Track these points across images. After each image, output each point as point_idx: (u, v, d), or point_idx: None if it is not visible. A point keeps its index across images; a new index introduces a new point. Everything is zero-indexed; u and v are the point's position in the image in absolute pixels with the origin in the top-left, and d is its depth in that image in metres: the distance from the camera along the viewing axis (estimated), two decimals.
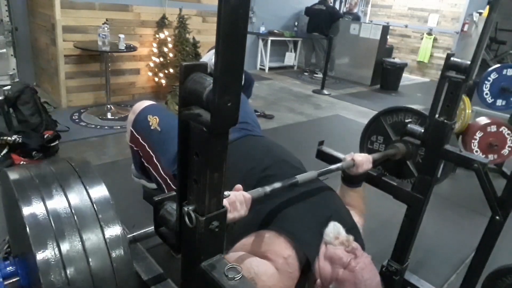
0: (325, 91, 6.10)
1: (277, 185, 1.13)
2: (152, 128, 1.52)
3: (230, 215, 0.91)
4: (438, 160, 1.40)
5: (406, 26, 8.89)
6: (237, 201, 0.95)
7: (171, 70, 4.39)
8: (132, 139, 1.58)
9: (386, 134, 1.69)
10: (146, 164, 1.57)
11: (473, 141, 3.08)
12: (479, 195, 1.47)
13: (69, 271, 0.63)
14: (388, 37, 7.37)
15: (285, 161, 1.42)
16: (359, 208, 1.50)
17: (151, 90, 4.69)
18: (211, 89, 0.58)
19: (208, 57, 4.18)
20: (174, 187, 1.44)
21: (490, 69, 3.15)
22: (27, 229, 0.63)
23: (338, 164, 1.42)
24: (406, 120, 1.60)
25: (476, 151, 3.07)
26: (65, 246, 0.64)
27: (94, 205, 0.71)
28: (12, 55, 4.19)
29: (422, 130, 1.41)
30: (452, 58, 1.30)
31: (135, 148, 1.59)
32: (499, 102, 3.17)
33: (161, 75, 4.44)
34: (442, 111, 1.33)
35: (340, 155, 1.60)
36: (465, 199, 2.95)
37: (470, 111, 3.16)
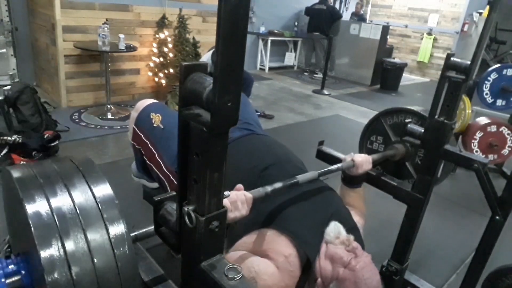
0: (325, 91, 6.10)
1: (278, 185, 1.14)
2: (155, 125, 1.53)
3: (231, 215, 0.91)
4: (438, 160, 1.40)
5: (406, 26, 8.89)
6: (238, 200, 0.95)
7: (171, 70, 4.39)
8: (134, 137, 1.58)
9: (386, 134, 1.69)
10: (148, 162, 1.57)
11: (473, 141, 3.08)
12: (479, 195, 1.47)
13: (74, 270, 0.62)
14: (388, 37, 7.37)
15: (286, 160, 1.43)
16: (359, 208, 1.50)
17: (151, 90, 4.69)
18: (211, 89, 0.58)
19: (207, 57, 4.19)
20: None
21: (490, 69, 3.15)
22: (32, 227, 0.63)
23: (338, 165, 1.42)
24: (406, 121, 1.60)
25: (476, 151, 3.07)
26: (70, 245, 0.64)
27: (99, 203, 0.71)
28: (12, 55, 4.19)
29: (422, 130, 1.41)
30: (452, 58, 1.30)
31: (137, 146, 1.60)
32: (499, 102, 3.17)
33: (161, 75, 4.44)
34: (442, 111, 1.33)
35: (340, 155, 1.60)
36: (465, 199, 2.95)
37: (470, 111, 3.16)
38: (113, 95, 4.13)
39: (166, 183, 1.51)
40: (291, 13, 7.85)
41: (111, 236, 0.68)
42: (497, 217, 1.42)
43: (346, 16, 8.33)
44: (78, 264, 0.63)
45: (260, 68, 7.47)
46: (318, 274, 1.12)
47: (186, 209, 0.68)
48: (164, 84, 4.46)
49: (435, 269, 2.08)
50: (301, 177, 1.22)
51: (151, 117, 1.55)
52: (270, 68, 7.44)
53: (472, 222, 2.53)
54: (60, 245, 0.63)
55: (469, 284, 1.57)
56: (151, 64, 4.51)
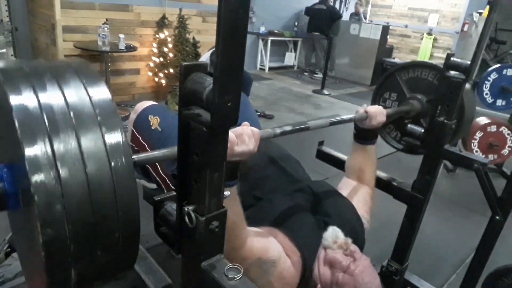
0: (325, 91, 6.10)
1: (288, 128, 1.08)
2: (153, 128, 1.53)
3: (238, 149, 0.85)
4: (438, 160, 1.40)
5: (406, 26, 8.88)
6: (244, 134, 0.88)
7: (171, 70, 4.39)
8: (132, 138, 1.59)
9: (401, 90, 1.59)
10: (146, 164, 1.57)
11: (473, 141, 3.08)
12: (479, 195, 1.47)
13: (63, 173, 0.54)
14: (388, 37, 7.37)
15: (283, 160, 1.42)
16: (368, 173, 1.47)
17: (151, 90, 4.69)
18: (211, 89, 0.58)
19: (206, 57, 4.19)
20: (173, 187, 1.44)
21: (490, 69, 3.15)
22: (15, 121, 0.54)
23: (351, 115, 1.34)
24: (423, 76, 1.52)
25: (476, 151, 3.07)
26: (59, 146, 0.55)
27: (94, 105, 0.60)
28: (12, 55, 4.19)
29: (422, 130, 1.41)
30: (452, 58, 1.30)
31: (135, 148, 1.60)
32: (499, 102, 3.17)
33: (161, 75, 4.44)
34: (442, 111, 1.33)
35: (340, 155, 1.60)
36: (465, 199, 2.95)
37: None
38: (113, 95, 4.12)
39: (163, 186, 1.51)
40: (291, 13, 7.85)
41: (106, 141, 0.58)
42: (497, 217, 1.42)
43: (346, 16, 8.33)
44: (68, 166, 0.54)
45: (260, 68, 7.47)
46: (317, 280, 1.11)
47: (186, 209, 0.68)
48: (164, 84, 4.46)
49: (435, 269, 2.08)
50: (312, 123, 1.16)
51: (149, 119, 1.55)
52: (270, 68, 7.44)
53: (472, 222, 2.53)
54: (48, 144, 0.54)
55: (469, 284, 1.57)
56: (151, 64, 4.51)
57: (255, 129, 0.93)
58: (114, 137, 0.59)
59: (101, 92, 0.63)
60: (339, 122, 1.27)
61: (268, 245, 1.06)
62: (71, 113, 0.58)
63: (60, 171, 0.54)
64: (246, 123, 0.94)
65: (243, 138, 0.87)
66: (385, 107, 1.60)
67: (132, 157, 0.72)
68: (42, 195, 0.52)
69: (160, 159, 0.83)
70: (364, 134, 1.43)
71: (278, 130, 1.05)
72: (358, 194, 1.43)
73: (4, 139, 0.65)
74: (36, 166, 0.52)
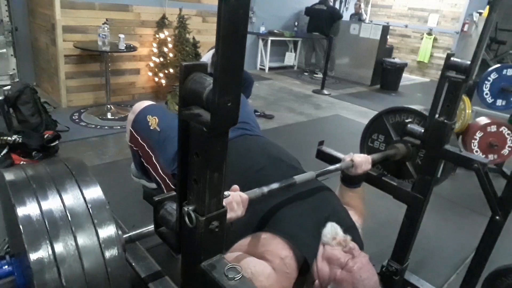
0: (325, 91, 6.10)
1: (275, 185, 1.13)
2: (151, 128, 1.53)
3: (227, 216, 0.91)
4: (438, 160, 1.40)
5: (406, 26, 8.89)
6: (234, 201, 0.95)
7: (171, 70, 4.39)
8: (131, 139, 1.58)
9: (388, 133, 1.68)
10: (145, 164, 1.57)
11: (473, 141, 3.08)
12: (479, 195, 1.47)
13: (63, 271, 0.63)
14: (388, 37, 7.37)
15: (281, 161, 1.42)
16: (358, 208, 1.50)
17: (151, 90, 4.69)
18: (211, 89, 0.58)
19: (208, 57, 4.19)
20: (173, 187, 1.44)
21: (490, 69, 3.15)
22: (21, 230, 0.64)
23: (337, 165, 1.42)
24: (407, 121, 1.60)
25: (476, 151, 3.07)
26: (59, 248, 0.64)
27: (89, 206, 0.71)
28: (12, 55, 4.19)
29: (422, 130, 1.41)
30: (452, 58, 1.30)
31: (134, 148, 1.60)
32: (499, 102, 3.17)
33: (161, 75, 4.44)
34: (442, 111, 1.33)
35: (340, 155, 1.60)
36: (465, 199, 2.95)
37: (470, 111, 3.16)
38: (113, 95, 4.13)
39: (162, 186, 1.51)
40: (291, 13, 7.85)
41: (100, 237, 0.68)
42: (497, 217, 1.42)
43: (346, 16, 8.33)
44: (67, 265, 0.64)
45: (260, 68, 7.46)
46: (315, 276, 1.12)
47: (186, 209, 0.68)
48: (164, 84, 4.46)
49: (435, 269, 2.08)
50: (298, 178, 1.21)
51: (148, 119, 1.54)
52: (270, 68, 7.44)
53: (472, 222, 2.53)
54: (49, 247, 0.64)
55: (469, 284, 1.57)
56: (151, 64, 4.51)
57: (243, 195, 0.99)
58: (107, 232, 0.70)
59: (94, 193, 0.75)
60: (326, 172, 1.35)
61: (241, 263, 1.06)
62: (69, 217, 0.68)
63: (61, 270, 0.63)
64: (235, 186, 1.01)
65: (232, 205, 0.94)
66: (373, 148, 1.72)
67: (129, 234, 0.88)
68: None
69: (149, 235, 0.90)
70: (351, 179, 1.49)
71: (265, 189, 1.10)
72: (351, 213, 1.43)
73: (14, 235, 0.75)
74: (39, 269, 0.61)
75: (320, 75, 6.86)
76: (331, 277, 1.09)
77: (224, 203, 0.89)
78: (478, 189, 1.40)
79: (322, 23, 7.07)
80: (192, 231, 0.68)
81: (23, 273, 0.73)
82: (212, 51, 4.28)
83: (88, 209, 0.71)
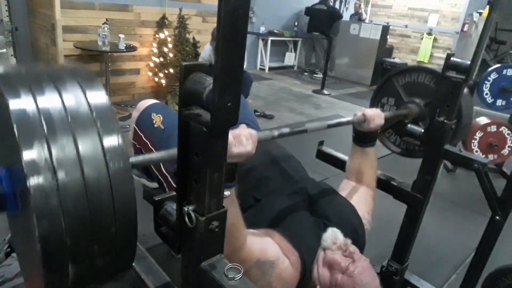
0: (325, 91, 6.10)
1: (286, 130, 1.09)
2: (155, 126, 1.53)
3: (235, 150, 0.86)
4: (438, 160, 1.40)
5: (406, 26, 8.88)
6: (242, 135, 0.89)
7: (171, 70, 4.39)
8: (135, 136, 1.59)
9: (398, 95, 1.61)
10: (143, 165, 1.58)
11: (473, 141, 3.08)
12: (479, 195, 1.47)
13: (60, 174, 0.55)
14: (388, 37, 7.37)
15: (283, 161, 1.42)
16: (368, 175, 1.46)
17: (151, 90, 4.69)
18: (211, 89, 0.58)
19: (206, 52, 4.19)
20: (175, 185, 1.45)
21: (490, 69, 3.14)
22: (13, 125, 0.55)
23: (349, 118, 1.35)
24: (420, 81, 1.52)
25: (476, 151, 3.07)
26: (56, 149, 0.56)
27: (93, 109, 0.61)
28: (12, 55, 4.19)
29: (422, 130, 1.41)
30: (452, 58, 1.30)
31: (137, 146, 1.60)
32: (499, 102, 3.16)
33: (161, 75, 4.44)
34: (442, 111, 1.33)
35: (340, 155, 1.60)
36: (465, 199, 2.95)
37: None
38: (113, 95, 4.13)
39: (164, 184, 1.51)
40: (291, 13, 7.84)
41: (105, 147, 0.59)
42: (497, 217, 1.42)
43: (346, 16, 8.33)
44: (65, 169, 0.55)
45: (260, 68, 7.46)
46: (316, 281, 1.11)
47: (186, 209, 0.68)
48: (164, 84, 4.46)
49: (435, 269, 2.08)
50: (309, 125, 1.17)
51: (152, 117, 1.55)
52: (270, 68, 7.44)
53: (472, 222, 2.53)
54: (45, 147, 0.55)
55: (469, 284, 1.57)
56: (151, 64, 4.51)
57: (253, 131, 0.93)
58: (112, 140, 0.60)
59: (98, 95, 0.64)
60: (337, 124, 1.28)
61: (266, 246, 1.06)
62: (69, 116, 0.59)
63: (58, 173, 0.55)
64: (243, 125, 0.94)
65: (240, 139, 0.88)
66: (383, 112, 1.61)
67: (130, 159, 0.73)
68: (38, 191, 0.53)
69: (157, 161, 0.83)
70: (363, 137, 1.43)
71: (276, 132, 1.05)
72: (359, 195, 1.42)
73: (3, 142, 0.66)
74: (33, 169, 0.53)
75: (320, 75, 6.86)
76: (332, 282, 1.08)
77: (231, 137, 0.84)
78: (478, 189, 1.40)
79: (322, 23, 7.07)
80: (192, 231, 0.68)
81: (12, 181, 0.63)
82: (208, 45, 4.29)
83: (92, 114, 0.61)
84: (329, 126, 1.24)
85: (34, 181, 0.53)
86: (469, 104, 1.53)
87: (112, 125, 0.62)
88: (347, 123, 1.34)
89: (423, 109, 1.51)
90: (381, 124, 1.38)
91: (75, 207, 0.55)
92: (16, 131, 0.54)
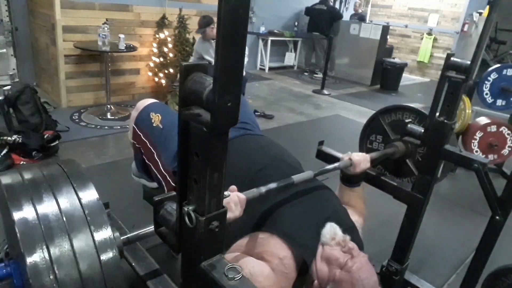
0: (325, 91, 6.10)
1: (273, 185, 1.13)
2: (154, 125, 1.53)
3: None
4: (438, 160, 1.40)
5: (406, 26, 8.88)
6: (231, 202, 0.95)
7: (171, 70, 4.39)
8: (134, 136, 1.59)
9: (385, 133, 1.68)
10: (147, 161, 1.58)
11: (473, 141, 3.08)
12: (479, 195, 1.47)
13: (59, 274, 0.63)
14: (388, 37, 7.37)
15: (282, 161, 1.42)
16: (358, 207, 1.50)
17: (151, 90, 4.69)
18: (211, 89, 0.58)
19: (199, 45, 4.18)
20: (174, 184, 1.44)
21: (490, 69, 3.15)
22: (17, 233, 0.65)
23: (335, 164, 1.41)
24: (405, 119, 1.59)
25: (476, 151, 3.07)
26: (54, 251, 0.65)
27: (85, 210, 0.72)
28: (12, 55, 4.19)
29: (422, 130, 1.41)
30: (452, 58, 1.30)
31: (136, 145, 1.60)
32: (499, 102, 3.16)
33: (161, 75, 4.44)
34: (442, 111, 1.33)
35: (340, 155, 1.60)
36: (465, 199, 2.95)
37: (470, 111, 3.16)
38: (113, 95, 4.13)
39: (163, 183, 1.51)
40: (291, 13, 7.84)
41: (96, 240, 0.69)
42: (497, 217, 1.41)
43: (346, 16, 8.33)
44: (63, 267, 0.64)
45: (260, 68, 7.46)
46: (314, 276, 1.11)
47: (186, 209, 0.68)
48: (164, 84, 4.46)
49: (435, 269, 2.08)
50: (296, 177, 1.21)
51: (151, 116, 1.55)
52: (270, 68, 7.44)
53: (472, 222, 2.52)
54: (45, 251, 0.64)
55: (469, 284, 1.57)
56: (151, 64, 4.51)
57: (241, 195, 0.99)
58: (102, 234, 0.70)
59: (90, 195, 0.75)
60: (324, 172, 1.34)
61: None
62: (65, 220, 0.69)
63: (57, 272, 0.63)
64: (233, 187, 1.01)
65: (230, 206, 0.93)
66: (372, 150, 1.69)
67: (129, 235, 0.88)
68: None
69: (146, 237, 0.90)
70: (350, 179, 1.48)
71: (263, 189, 1.10)
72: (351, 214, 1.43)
73: (11, 238, 0.78)
74: (35, 272, 0.62)
75: (320, 75, 6.85)
76: (330, 277, 1.09)
77: None
78: (478, 189, 1.40)
79: (322, 23, 7.07)
80: (192, 231, 0.68)
81: (20, 276, 0.74)
82: (197, 41, 4.30)
83: (84, 213, 0.71)
84: (316, 175, 1.29)
85: (36, 284, 0.62)
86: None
87: (101, 218, 0.72)
88: (334, 169, 1.40)
89: (410, 147, 1.58)
90: (367, 167, 1.45)
91: None
92: (19, 240, 0.64)
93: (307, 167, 1.52)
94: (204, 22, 4.03)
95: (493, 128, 3.05)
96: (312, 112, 4.99)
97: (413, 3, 8.75)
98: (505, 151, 3.07)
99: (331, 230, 1.15)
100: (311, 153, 1.74)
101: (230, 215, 0.92)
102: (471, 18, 7.94)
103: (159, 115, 1.55)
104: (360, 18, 8.01)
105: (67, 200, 0.72)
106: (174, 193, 0.83)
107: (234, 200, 0.96)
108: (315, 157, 1.70)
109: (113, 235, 0.72)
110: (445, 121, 1.33)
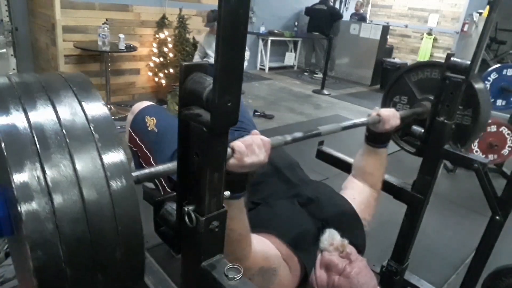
0: (325, 91, 6.10)
1: (299, 134, 1.07)
2: (149, 129, 1.53)
3: (248, 160, 0.80)
4: (438, 160, 1.40)
5: (406, 26, 8.88)
6: (254, 144, 0.84)
7: (171, 70, 4.39)
8: (130, 139, 1.59)
9: (411, 93, 1.56)
10: (144, 164, 1.57)
11: None
12: (479, 195, 1.47)
13: (56, 199, 0.49)
14: (388, 37, 7.37)
15: (280, 163, 1.42)
16: (376, 175, 1.44)
17: (151, 90, 4.69)
18: (211, 89, 0.58)
19: (203, 40, 4.18)
20: (169, 190, 1.44)
21: (490, 69, 3.15)
22: (2, 145, 0.49)
23: (363, 119, 1.30)
24: (434, 77, 1.48)
25: (476, 151, 3.07)
26: (51, 169, 0.50)
27: (90, 123, 0.55)
28: (12, 55, 4.19)
29: (422, 130, 1.41)
30: (452, 58, 1.30)
31: (133, 149, 1.60)
32: (499, 102, 3.16)
33: (161, 75, 4.44)
34: (442, 111, 1.33)
35: (340, 155, 1.60)
36: (465, 199, 2.95)
37: None
38: (113, 95, 4.13)
39: (160, 188, 1.51)
40: (291, 13, 7.84)
41: (105, 163, 0.53)
42: (497, 217, 1.42)
43: (346, 16, 8.33)
44: (61, 192, 0.49)
45: (260, 68, 7.47)
46: (314, 283, 1.11)
47: (186, 209, 0.68)
48: (164, 84, 4.46)
49: (435, 269, 2.08)
50: (323, 129, 1.14)
51: (146, 120, 1.54)
52: (270, 68, 7.44)
53: (472, 222, 2.53)
54: (39, 169, 0.49)
55: (469, 284, 1.57)
56: (151, 64, 4.51)
57: (265, 138, 0.89)
58: (112, 155, 0.54)
59: (96, 106, 0.57)
60: (352, 126, 1.24)
61: (269, 253, 1.05)
62: (64, 131, 0.53)
63: (53, 196, 0.49)
64: (255, 131, 0.90)
65: (253, 148, 0.83)
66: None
67: (134, 174, 0.71)
68: (31, 218, 0.48)
69: (163, 174, 0.81)
70: (376, 138, 1.38)
71: (289, 138, 1.02)
72: (363, 196, 1.40)
73: None
74: (25, 193, 0.48)
75: (320, 75, 6.86)
76: (329, 284, 1.08)
77: (243, 146, 0.81)
78: (478, 189, 1.40)
79: (322, 23, 7.07)
80: (192, 231, 0.68)
81: (5, 203, 0.57)
82: (203, 35, 4.32)
83: (90, 127, 0.54)
84: (344, 129, 1.20)
85: (26, 206, 0.47)
86: (487, 100, 1.46)
87: (113, 138, 0.55)
88: (362, 124, 1.29)
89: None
90: (396, 124, 1.33)
91: (74, 233, 0.50)
92: (5, 151, 0.49)
93: (307, 167, 1.52)
94: (213, 17, 4.05)
95: (493, 128, 3.05)
96: (312, 112, 4.99)
97: (413, 3, 8.74)
98: (505, 151, 3.07)
99: (329, 236, 1.15)
100: (311, 153, 1.74)
101: (254, 159, 0.82)
102: (471, 18, 7.94)
103: (154, 118, 1.54)
104: (360, 18, 8.00)
105: (67, 110, 0.55)
106: (174, 193, 0.83)
107: (257, 143, 0.84)
108: (315, 157, 1.70)
109: (127, 161, 0.55)
110: (445, 121, 1.32)
